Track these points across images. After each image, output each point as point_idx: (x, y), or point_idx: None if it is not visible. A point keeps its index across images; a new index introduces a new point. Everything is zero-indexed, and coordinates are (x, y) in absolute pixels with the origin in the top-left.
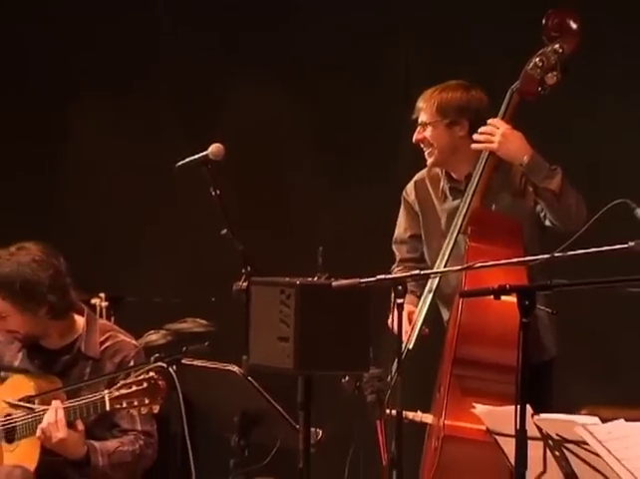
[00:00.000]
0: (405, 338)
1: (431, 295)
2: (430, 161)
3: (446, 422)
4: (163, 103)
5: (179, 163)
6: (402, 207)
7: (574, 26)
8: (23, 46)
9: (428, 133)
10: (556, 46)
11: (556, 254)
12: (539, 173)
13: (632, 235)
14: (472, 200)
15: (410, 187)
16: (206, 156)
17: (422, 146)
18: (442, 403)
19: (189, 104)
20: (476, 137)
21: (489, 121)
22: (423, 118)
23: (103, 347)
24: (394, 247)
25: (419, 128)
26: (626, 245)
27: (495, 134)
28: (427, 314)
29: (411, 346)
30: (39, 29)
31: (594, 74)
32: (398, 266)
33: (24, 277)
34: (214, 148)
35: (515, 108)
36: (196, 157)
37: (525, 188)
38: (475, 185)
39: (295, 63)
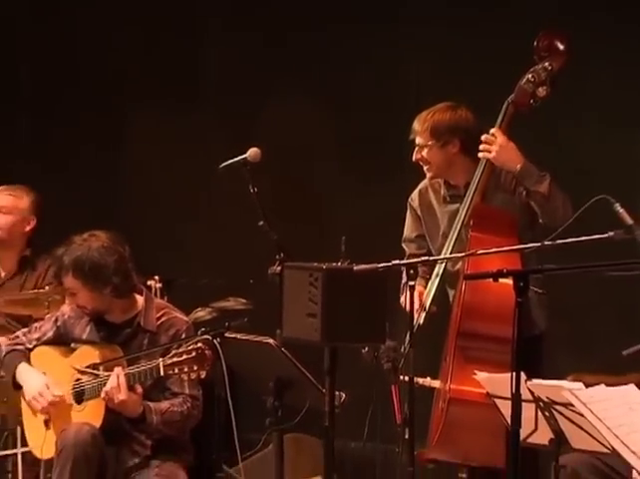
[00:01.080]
0: (416, 315)
1: (438, 279)
2: (429, 175)
3: (451, 386)
4: (208, 111)
5: (222, 164)
6: (408, 211)
7: (562, 47)
8: (89, 60)
9: (424, 153)
10: (546, 64)
11: (547, 243)
12: (530, 178)
13: (612, 226)
14: (473, 198)
15: (415, 194)
16: (245, 158)
17: (421, 163)
18: (447, 370)
19: (231, 111)
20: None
21: (491, 130)
22: (419, 141)
23: (159, 322)
24: (404, 245)
25: (417, 149)
26: (606, 235)
27: (494, 144)
28: (434, 295)
29: (421, 322)
30: (100, 43)
31: (579, 86)
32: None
33: (93, 261)
34: (252, 151)
35: (511, 117)
36: (237, 159)
37: (515, 188)
38: (475, 185)
39: (323, 77)
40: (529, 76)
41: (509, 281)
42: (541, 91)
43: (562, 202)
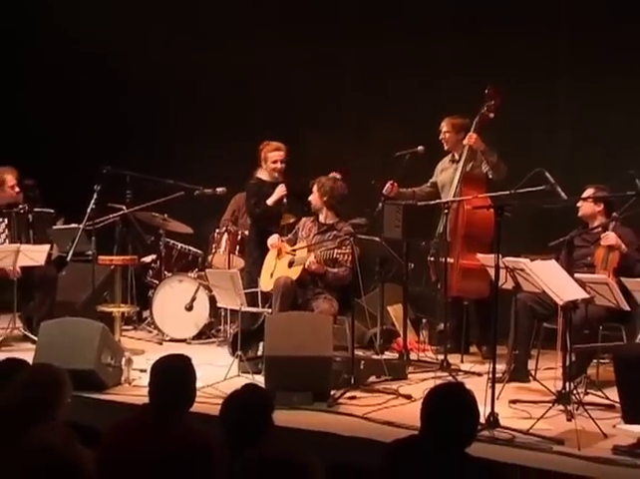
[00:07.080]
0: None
1: (447, 211)
2: (446, 147)
3: (460, 261)
4: (347, 125)
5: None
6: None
7: (500, 94)
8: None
9: (445, 136)
10: (491, 102)
11: (513, 192)
12: (487, 153)
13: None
14: (464, 164)
15: (441, 162)
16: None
17: (443, 141)
18: (455, 252)
19: (363, 128)
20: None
21: (469, 134)
22: (443, 129)
23: (338, 226)
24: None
25: (442, 132)
26: (541, 188)
27: (472, 138)
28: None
29: (441, 230)
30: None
31: (515, 110)
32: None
33: (325, 186)
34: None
35: (480, 124)
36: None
37: (482, 162)
38: (464, 157)
39: (420, 111)
40: (484, 108)
41: (490, 210)
42: (491, 116)
43: (503, 164)
